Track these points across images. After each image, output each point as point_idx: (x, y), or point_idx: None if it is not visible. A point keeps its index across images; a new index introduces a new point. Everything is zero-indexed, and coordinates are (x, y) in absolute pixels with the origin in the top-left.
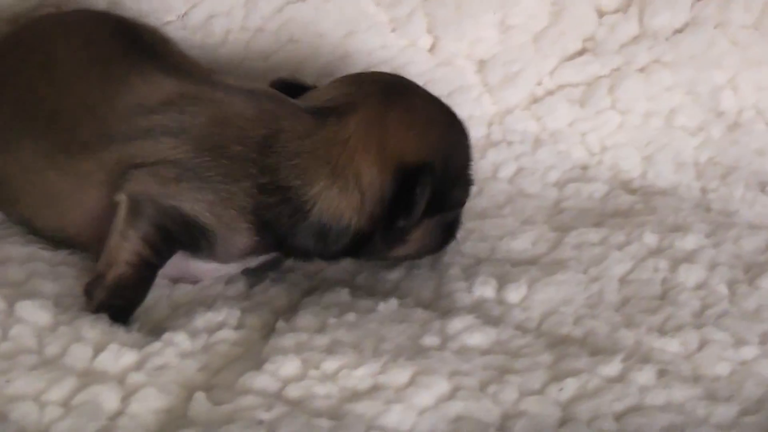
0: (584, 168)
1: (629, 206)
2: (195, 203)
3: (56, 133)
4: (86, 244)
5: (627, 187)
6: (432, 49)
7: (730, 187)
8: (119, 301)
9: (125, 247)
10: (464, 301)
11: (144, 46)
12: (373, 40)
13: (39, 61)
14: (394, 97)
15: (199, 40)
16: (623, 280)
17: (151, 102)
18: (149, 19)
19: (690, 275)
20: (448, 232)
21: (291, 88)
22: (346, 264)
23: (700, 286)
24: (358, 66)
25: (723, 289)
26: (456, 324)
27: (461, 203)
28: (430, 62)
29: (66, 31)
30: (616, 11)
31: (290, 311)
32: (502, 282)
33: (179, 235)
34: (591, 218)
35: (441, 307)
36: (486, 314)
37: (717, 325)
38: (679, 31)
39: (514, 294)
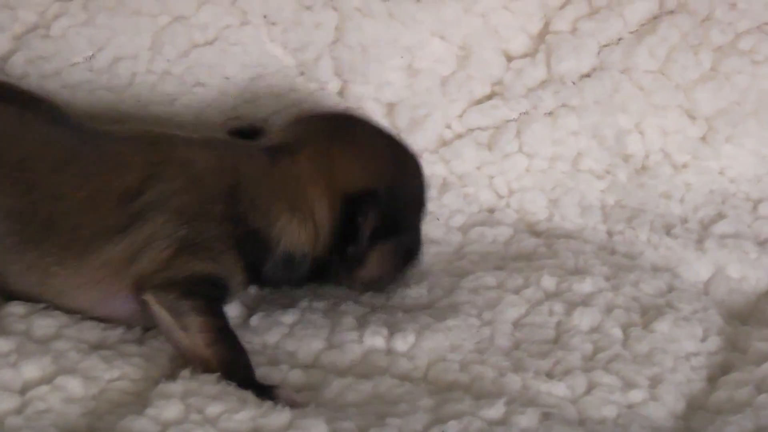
0: (491, 211)
1: (532, 249)
2: (205, 264)
3: (58, 235)
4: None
5: (533, 230)
6: (341, 92)
7: (636, 230)
8: (239, 373)
9: (194, 336)
10: (355, 352)
11: (81, 127)
12: (282, 83)
13: (11, 166)
14: (339, 131)
15: (105, 83)
16: (516, 324)
17: (134, 182)
18: (54, 61)
19: (584, 319)
20: (408, 254)
21: (246, 134)
22: (239, 306)
23: (594, 330)
24: (267, 109)
25: (617, 333)
26: (327, 394)
27: (414, 226)
28: (339, 106)
29: (16, 128)
30: (523, 56)
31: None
32: (393, 330)
33: (213, 293)
34: (492, 262)
35: (327, 363)
36: (372, 366)
37: (607, 369)
38: (585, 75)
39: (402, 343)
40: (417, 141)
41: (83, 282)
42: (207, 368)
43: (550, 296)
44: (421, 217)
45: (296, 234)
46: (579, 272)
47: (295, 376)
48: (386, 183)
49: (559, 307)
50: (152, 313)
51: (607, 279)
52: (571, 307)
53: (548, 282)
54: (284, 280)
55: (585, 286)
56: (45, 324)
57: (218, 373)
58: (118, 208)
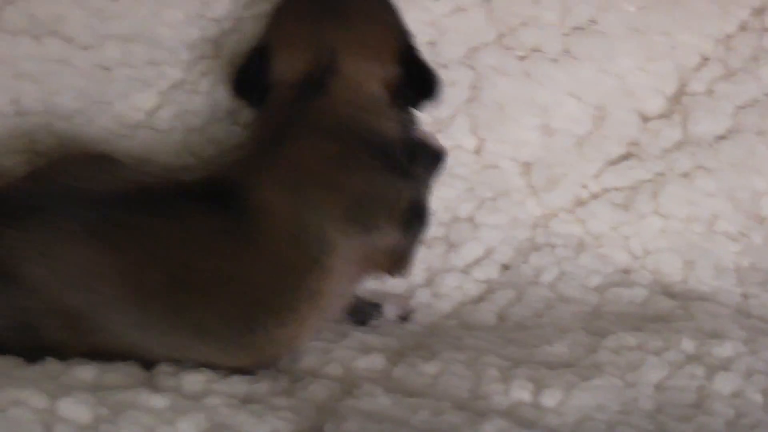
0: (626, 272)
1: (669, 311)
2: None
3: (277, 317)
4: None
5: (668, 291)
6: (478, 150)
7: None
8: None
9: None
10: (501, 404)
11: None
12: None
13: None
14: (344, 24)
15: None
16: (659, 387)
17: (290, 219)
18: (201, 116)
19: (726, 383)
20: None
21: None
22: (382, 358)
23: (735, 395)
24: None
25: (758, 398)
26: (487, 428)
27: None
28: (476, 164)
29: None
30: (659, 117)
31: (333, 414)
32: (539, 386)
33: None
34: (630, 322)
35: (476, 408)
36: (521, 417)
37: None
38: (721, 137)
39: (550, 399)
40: (553, 200)
41: (309, 319)
42: None
43: (690, 359)
44: None
45: (390, 127)
46: (717, 336)
47: (447, 420)
48: (404, 27)
49: (699, 371)
50: None
51: (745, 343)
52: (712, 371)
53: (688, 345)
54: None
55: (724, 350)
56: (194, 380)
57: None
58: (300, 248)
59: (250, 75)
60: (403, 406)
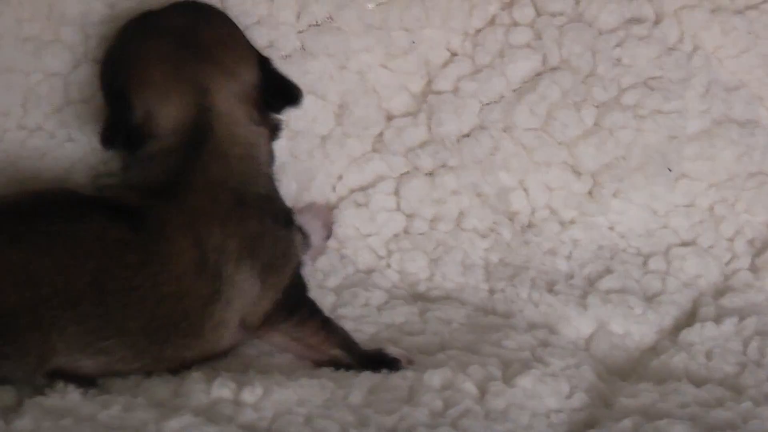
0: (368, 272)
1: (404, 318)
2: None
3: (179, 332)
4: None
5: (414, 290)
6: None
7: (517, 288)
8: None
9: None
10: (200, 401)
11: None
12: None
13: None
14: (209, 59)
15: None
16: (371, 390)
17: (191, 250)
18: None
19: (435, 377)
20: None
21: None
22: None
23: (445, 387)
24: None
25: (470, 388)
26: (173, 425)
27: None
28: None
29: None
30: (405, 115)
31: (13, 411)
32: (240, 384)
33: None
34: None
35: (173, 405)
36: (216, 413)
37: (454, 425)
38: (466, 135)
39: (250, 395)
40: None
41: (214, 348)
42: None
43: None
44: None
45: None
46: (442, 348)
47: (138, 417)
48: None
49: (410, 373)
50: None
51: (466, 347)
52: (422, 370)
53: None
54: None
55: (437, 358)
56: None
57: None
58: (202, 279)
59: (119, 126)
60: (94, 403)
